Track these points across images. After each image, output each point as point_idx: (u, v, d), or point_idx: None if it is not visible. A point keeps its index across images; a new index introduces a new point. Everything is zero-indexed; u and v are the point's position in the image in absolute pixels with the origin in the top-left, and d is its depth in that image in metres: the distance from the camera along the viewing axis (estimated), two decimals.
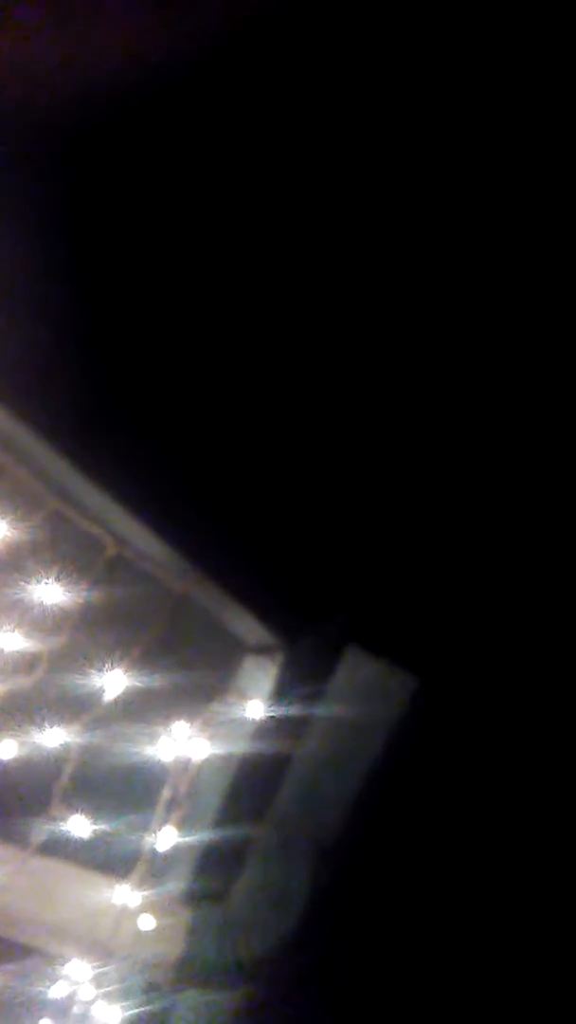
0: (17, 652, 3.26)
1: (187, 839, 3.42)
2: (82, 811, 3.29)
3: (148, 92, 2.76)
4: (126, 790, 3.40)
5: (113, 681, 3.27)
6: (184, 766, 3.37)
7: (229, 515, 3.32)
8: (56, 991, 3.41)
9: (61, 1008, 3.44)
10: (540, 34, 2.86)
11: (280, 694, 3.38)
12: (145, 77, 2.74)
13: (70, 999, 3.46)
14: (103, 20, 2.67)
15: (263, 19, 2.72)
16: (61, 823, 3.28)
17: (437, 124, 2.95)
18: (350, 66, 2.86)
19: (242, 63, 2.79)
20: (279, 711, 3.38)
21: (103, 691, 3.27)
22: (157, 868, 3.39)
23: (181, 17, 2.69)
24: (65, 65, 2.69)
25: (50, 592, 3.19)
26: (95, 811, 3.31)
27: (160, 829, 3.36)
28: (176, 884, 3.53)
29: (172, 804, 3.36)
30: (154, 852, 3.37)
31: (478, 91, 2.91)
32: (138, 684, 3.28)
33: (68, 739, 3.25)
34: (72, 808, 3.29)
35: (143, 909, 3.39)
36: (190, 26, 2.71)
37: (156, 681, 3.30)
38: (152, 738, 3.34)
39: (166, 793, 3.37)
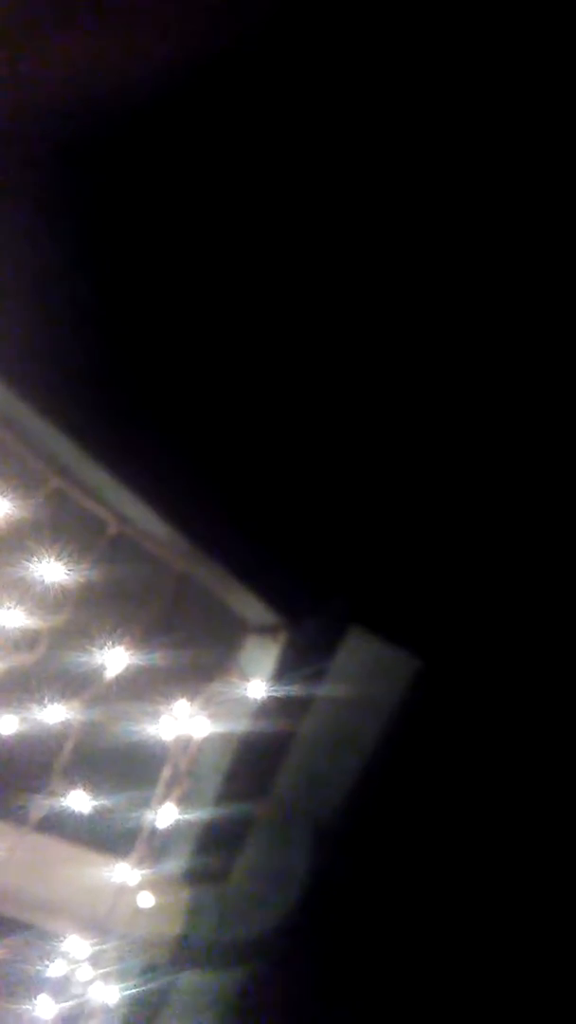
0: (19, 629, 3.26)
1: (187, 818, 3.41)
2: (82, 788, 3.29)
3: (151, 89, 2.77)
4: (127, 768, 3.40)
5: (114, 659, 3.26)
6: (185, 745, 3.37)
7: (232, 495, 3.32)
8: (54, 969, 3.42)
9: (59, 986, 3.45)
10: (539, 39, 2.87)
11: (282, 674, 3.36)
12: (148, 76, 2.75)
13: (68, 977, 3.46)
14: (105, 22, 2.68)
15: (263, 21, 2.73)
16: (61, 799, 3.28)
17: (436, 131, 2.96)
18: (349, 71, 2.86)
19: (243, 65, 2.80)
20: (281, 691, 3.37)
21: (104, 669, 3.26)
22: (157, 846, 3.39)
23: (182, 20, 2.71)
24: (68, 66, 2.70)
25: (52, 570, 3.19)
26: (95, 789, 3.31)
27: (160, 807, 3.35)
28: (176, 863, 3.53)
29: (172, 782, 3.36)
30: (154, 830, 3.37)
31: (476, 101, 2.92)
32: (139, 662, 3.27)
33: (69, 716, 3.24)
34: (72, 785, 3.29)
35: (142, 887, 3.39)
36: (191, 28, 2.73)
37: (158, 659, 3.30)
38: (153, 716, 3.34)
39: (166, 771, 3.36)
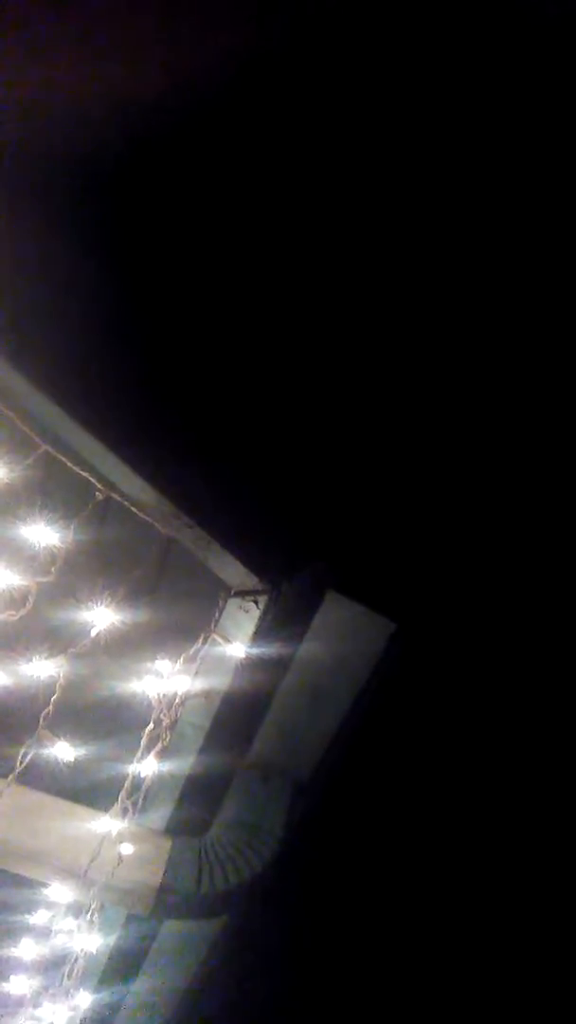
0: (7, 588, 3.30)
1: (168, 772, 3.47)
2: (67, 741, 3.34)
3: (159, 103, 2.82)
4: (110, 722, 3.46)
5: (100, 618, 3.29)
6: (168, 701, 3.42)
7: (217, 462, 3.39)
8: (37, 917, 3.48)
9: (42, 933, 3.52)
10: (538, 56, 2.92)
11: (262, 635, 3.43)
12: (156, 93, 2.80)
13: (50, 925, 3.53)
14: (117, 43, 2.73)
15: (268, 44, 2.79)
16: (46, 751, 3.32)
17: (439, 153, 3.01)
18: (353, 87, 2.92)
19: (248, 84, 2.85)
20: (260, 651, 3.44)
21: (90, 627, 3.29)
22: (139, 799, 3.42)
23: (189, 40, 2.76)
24: (82, 82, 2.75)
25: (40, 532, 3.21)
26: (80, 742, 3.37)
27: (142, 761, 3.40)
28: (157, 815, 3.59)
29: (155, 737, 3.40)
30: (136, 783, 3.42)
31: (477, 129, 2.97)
32: (124, 621, 3.30)
33: (55, 671, 3.28)
34: (57, 738, 3.33)
35: (124, 839, 3.44)
36: (199, 48, 2.78)
37: (142, 619, 3.35)
38: (137, 674, 3.40)
39: (149, 726, 3.40)
